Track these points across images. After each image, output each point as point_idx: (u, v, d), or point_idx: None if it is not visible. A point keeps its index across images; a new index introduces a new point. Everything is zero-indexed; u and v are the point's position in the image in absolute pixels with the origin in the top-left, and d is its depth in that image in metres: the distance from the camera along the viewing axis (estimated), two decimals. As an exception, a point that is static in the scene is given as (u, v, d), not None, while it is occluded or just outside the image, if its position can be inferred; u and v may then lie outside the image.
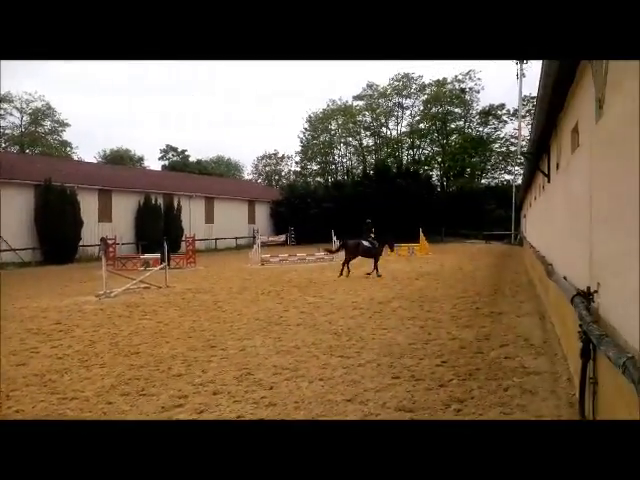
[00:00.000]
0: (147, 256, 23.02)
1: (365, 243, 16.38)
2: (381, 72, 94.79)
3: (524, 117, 39.79)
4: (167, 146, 68.63)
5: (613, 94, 3.32)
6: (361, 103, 59.59)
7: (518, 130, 40.25)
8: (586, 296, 4.02)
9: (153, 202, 33.01)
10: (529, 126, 10.37)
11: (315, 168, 63.96)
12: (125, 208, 32.26)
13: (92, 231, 28.76)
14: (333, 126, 61.08)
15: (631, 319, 2.79)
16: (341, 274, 16.00)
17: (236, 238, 40.80)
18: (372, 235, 16.88)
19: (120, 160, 59.00)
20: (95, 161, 57.32)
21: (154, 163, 67.36)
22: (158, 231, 30.09)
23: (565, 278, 6.04)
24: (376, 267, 16.12)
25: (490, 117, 53.84)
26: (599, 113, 3.84)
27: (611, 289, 3.43)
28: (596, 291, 3.90)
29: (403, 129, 58.78)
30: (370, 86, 58.52)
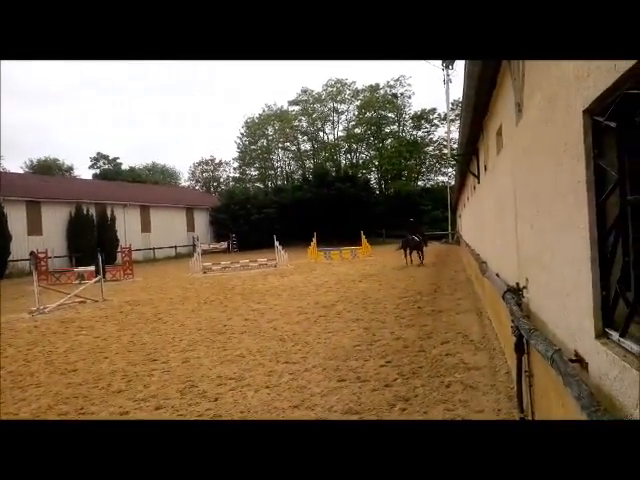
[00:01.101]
0: (81, 269, 22.11)
1: (415, 238, 20.65)
2: (314, 77, 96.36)
3: (453, 121, 41.25)
4: (98, 154, 65.99)
5: (530, 97, 3.52)
6: (297, 108, 59.87)
7: (447, 134, 41.69)
8: (516, 292, 4.20)
9: (85, 212, 31.71)
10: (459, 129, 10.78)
11: (254, 174, 63.48)
12: (55, 220, 30.78)
13: (22, 245, 27.22)
14: (270, 131, 60.93)
15: (556, 313, 2.96)
16: (407, 263, 20.59)
17: (175, 247, 39.83)
18: (417, 233, 20.89)
19: (48, 170, 56.14)
20: (21, 171, 54.27)
21: (84, 172, 64.68)
22: (92, 242, 29.03)
23: (498, 275, 6.31)
24: (422, 256, 20.84)
25: (422, 121, 55.45)
26: (519, 116, 4.07)
27: (538, 284, 3.60)
28: (525, 287, 4.09)
29: (340, 134, 59.56)
30: (305, 91, 58.93)
